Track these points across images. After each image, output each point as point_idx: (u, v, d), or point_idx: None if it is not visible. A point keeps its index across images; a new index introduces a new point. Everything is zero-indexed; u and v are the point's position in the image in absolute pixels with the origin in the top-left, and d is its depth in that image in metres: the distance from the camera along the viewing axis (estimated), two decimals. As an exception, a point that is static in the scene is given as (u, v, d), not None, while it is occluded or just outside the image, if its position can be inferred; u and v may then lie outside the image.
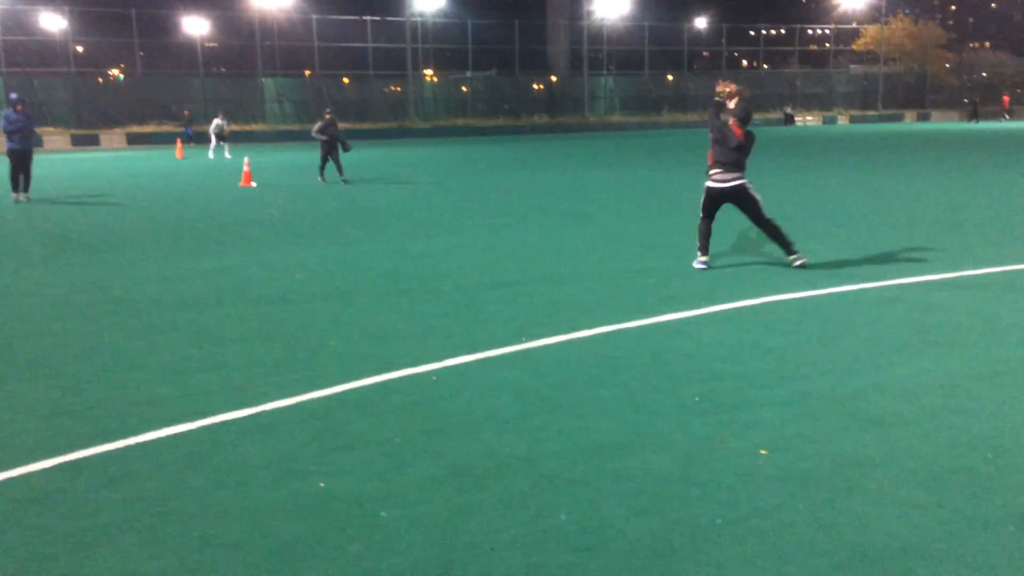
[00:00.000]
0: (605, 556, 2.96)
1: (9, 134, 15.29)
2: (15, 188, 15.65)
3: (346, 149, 18.63)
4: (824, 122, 58.71)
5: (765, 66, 71.45)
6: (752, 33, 71.38)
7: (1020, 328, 5.79)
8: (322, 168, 18.88)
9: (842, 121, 59.22)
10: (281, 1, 52.64)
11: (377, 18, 55.48)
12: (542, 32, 63.80)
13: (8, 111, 15.39)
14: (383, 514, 3.31)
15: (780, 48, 72.35)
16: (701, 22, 68.20)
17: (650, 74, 62.87)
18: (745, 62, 79.85)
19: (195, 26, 53.15)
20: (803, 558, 2.90)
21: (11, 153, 15.47)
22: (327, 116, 18.58)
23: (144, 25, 51.36)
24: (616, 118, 57.39)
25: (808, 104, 63.24)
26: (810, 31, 74.33)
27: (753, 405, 4.38)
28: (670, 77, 64.35)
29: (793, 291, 7.07)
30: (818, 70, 68.06)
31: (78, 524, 3.29)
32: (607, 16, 60.90)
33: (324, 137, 18.30)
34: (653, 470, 3.64)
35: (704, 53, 74.15)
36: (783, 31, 73.38)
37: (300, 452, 3.95)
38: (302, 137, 43.08)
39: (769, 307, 6.54)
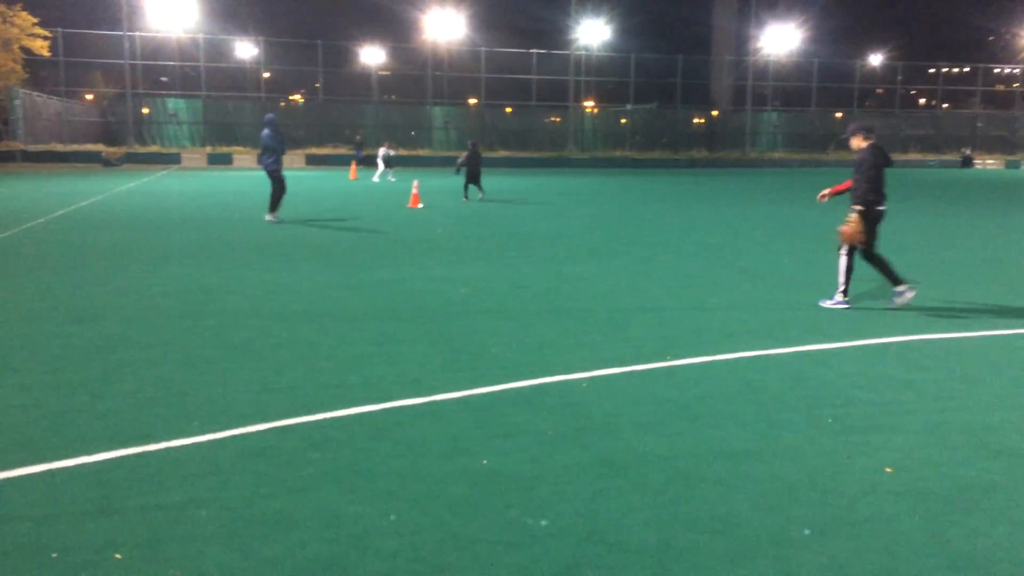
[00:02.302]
0: (729, 540, 3.38)
1: (277, 156, 15.42)
2: (272, 208, 15.84)
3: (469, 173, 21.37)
4: (1007, 166, 55.32)
5: (945, 105, 68.04)
6: (932, 71, 68.32)
7: None
8: (466, 189, 21.67)
9: (1028, 166, 55.59)
10: (452, 33, 55.18)
11: (543, 51, 57.10)
12: (705, 67, 63.60)
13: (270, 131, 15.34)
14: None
15: (961, 88, 68.62)
16: (876, 59, 66.02)
17: (817, 110, 61.34)
18: (923, 100, 76.25)
19: (372, 56, 56.56)
20: (913, 558, 3.21)
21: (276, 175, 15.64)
22: (472, 146, 21.35)
23: (326, 54, 55.09)
24: (778, 154, 56.30)
25: (989, 147, 59.84)
26: (996, 70, 70.16)
27: (885, 430, 4.64)
28: (839, 114, 62.56)
29: (943, 331, 7.13)
30: (1002, 112, 64.24)
31: (289, 474, 4.02)
32: (774, 52, 60.08)
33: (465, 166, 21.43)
34: (780, 476, 4.00)
35: (878, 90, 71.46)
36: (966, 69, 69.63)
37: (466, 435, 4.57)
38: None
39: (915, 344, 6.66)
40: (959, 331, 7.18)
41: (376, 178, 32.26)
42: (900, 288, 8.04)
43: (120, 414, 4.84)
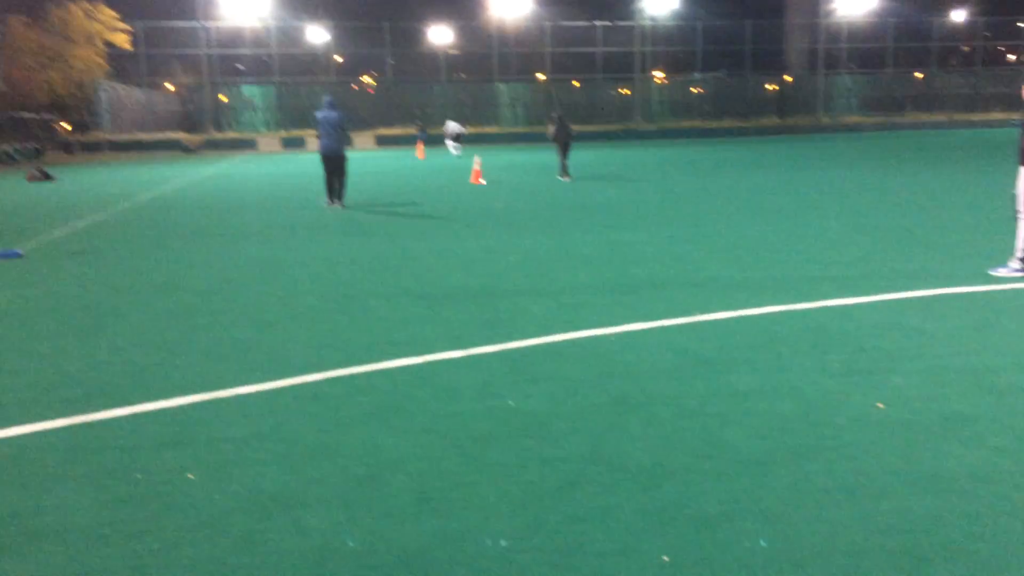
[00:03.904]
0: (717, 461, 3.78)
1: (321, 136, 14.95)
2: (329, 194, 15.24)
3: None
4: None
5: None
6: (1021, 25, 65.50)
7: None
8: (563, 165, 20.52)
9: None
10: (518, 9, 55.33)
11: (608, 23, 56.81)
12: (776, 31, 62.28)
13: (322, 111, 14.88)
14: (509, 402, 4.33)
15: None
16: (958, 15, 63.63)
17: (893, 72, 59.58)
18: (1012, 57, 73.11)
19: (440, 35, 57.21)
20: (878, 475, 3.57)
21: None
22: (558, 118, 20.42)
23: (395, 35, 56.01)
24: (852, 119, 54.99)
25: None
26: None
27: (887, 372, 4.95)
28: (919, 75, 60.62)
29: (977, 284, 7.29)
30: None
31: (338, 414, 4.58)
32: (850, 13, 58.46)
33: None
34: (777, 411, 4.38)
35: (964, 48, 68.87)
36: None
37: (497, 381, 5.05)
38: (532, 139, 45.31)
39: (943, 297, 6.86)
40: (993, 284, 7.32)
41: (455, 151, 33.14)
42: (1016, 263, 7.63)
43: (194, 367, 5.48)
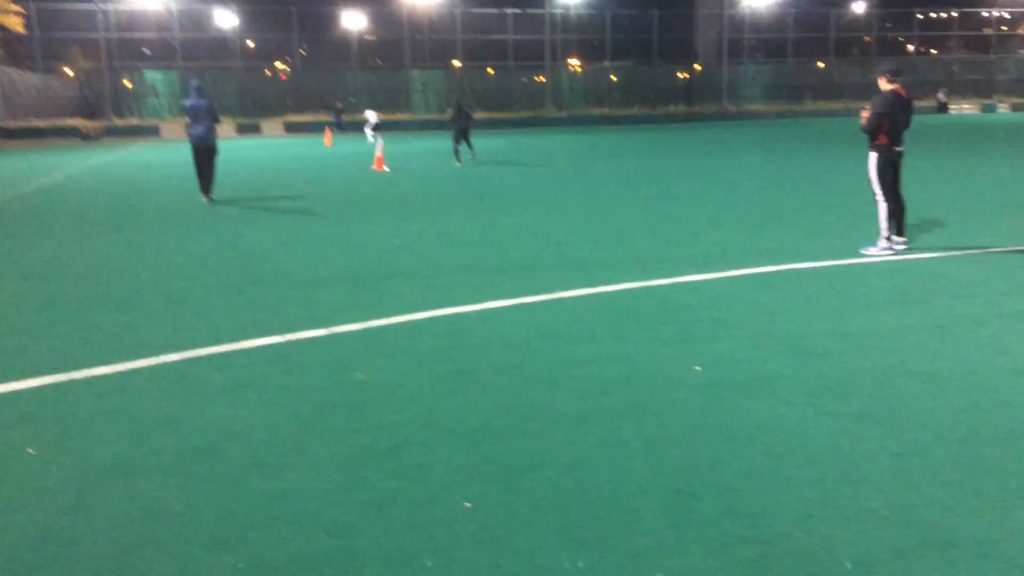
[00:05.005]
0: (537, 422, 4.09)
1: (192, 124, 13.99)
2: (202, 189, 14.20)
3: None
4: (983, 111, 55.71)
5: (934, 51, 68.32)
6: (921, 17, 68.45)
7: (984, 291, 6.39)
8: (456, 151, 21.39)
9: (1003, 109, 55.96)
10: (430, -4, 55.11)
11: (518, 11, 57.12)
12: (684, 21, 63.60)
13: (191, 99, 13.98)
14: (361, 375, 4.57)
15: (940, 33, 68.86)
16: (859, 6, 66.10)
17: (797, 61, 61.58)
18: (912, 47, 76.37)
19: (353, 21, 56.54)
20: (679, 429, 3.94)
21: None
22: (456, 104, 20.98)
23: (306, 20, 55.12)
24: (756, 107, 56.65)
25: (965, 91, 60.16)
26: (986, 14, 69.99)
27: (714, 339, 5.35)
28: (821, 64, 62.78)
29: (819, 261, 7.82)
30: (979, 56, 64.50)
31: (189, 390, 4.72)
32: (754, 3, 60.15)
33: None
34: (605, 375, 4.72)
35: (866, 38, 71.56)
36: (955, 14, 69.51)
37: (353, 357, 5.26)
38: (443, 126, 45.33)
39: (785, 273, 7.36)
40: (833, 260, 7.87)
41: (371, 139, 33.06)
42: (883, 242, 8.13)
43: (53, 351, 5.53)
